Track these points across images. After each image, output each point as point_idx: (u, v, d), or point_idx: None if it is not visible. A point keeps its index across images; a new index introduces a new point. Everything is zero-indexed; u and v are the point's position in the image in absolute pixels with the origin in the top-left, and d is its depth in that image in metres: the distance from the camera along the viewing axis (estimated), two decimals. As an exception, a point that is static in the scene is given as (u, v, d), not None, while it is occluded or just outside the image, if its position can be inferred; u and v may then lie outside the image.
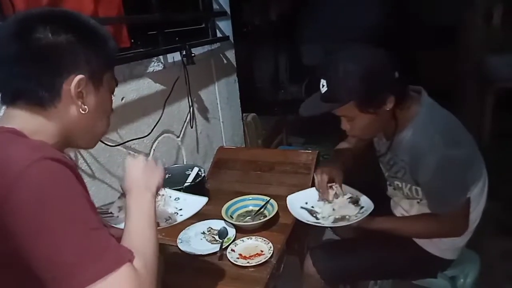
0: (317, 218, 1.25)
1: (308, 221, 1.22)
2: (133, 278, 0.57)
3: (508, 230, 2.02)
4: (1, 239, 0.56)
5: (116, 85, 0.80)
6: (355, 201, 1.27)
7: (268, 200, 1.48)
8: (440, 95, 1.17)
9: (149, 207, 0.74)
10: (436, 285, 1.30)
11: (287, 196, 1.35)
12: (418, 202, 1.21)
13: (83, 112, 0.71)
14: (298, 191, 1.41)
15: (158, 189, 0.80)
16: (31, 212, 0.54)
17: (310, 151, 1.86)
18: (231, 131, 2.48)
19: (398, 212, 1.33)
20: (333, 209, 1.26)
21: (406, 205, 1.26)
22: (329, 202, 1.28)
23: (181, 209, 1.11)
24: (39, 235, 0.54)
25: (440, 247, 1.22)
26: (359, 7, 3.39)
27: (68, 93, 0.68)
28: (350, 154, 1.41)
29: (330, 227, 1.21)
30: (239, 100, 2.57)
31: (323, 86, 1.05)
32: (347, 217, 1.22)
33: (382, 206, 1.30)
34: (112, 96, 0.80)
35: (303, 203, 1.33)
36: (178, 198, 1.16)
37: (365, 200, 1.26)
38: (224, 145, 2.25)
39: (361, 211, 1.22)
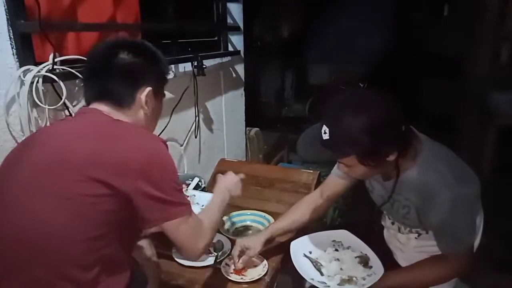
0: (321, 273, 1.17)
1: (312, 279, 1.13)
2: (199, 221, 0.93)
3: (499, 264, 2.01)
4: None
5: (164, 96, 1.02)
6: (364, 262, 1.19)
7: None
8: (440, 127, 1.15)
9: (225, 200, 1.13)
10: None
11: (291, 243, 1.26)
12: (416, 238, 1.19)
13: (147, 114, 0.95)
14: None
15: (234, 195, 1.21)
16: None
17: (311, 171, 1.85)
18: (233, 144, 2.49)
19: (393, 245, 1.30)
20: (341, 268, 1.18)
21: (403, 239, 1.23)
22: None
23: (202, 205, 1.38)
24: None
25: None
26: (365, 32, 3.47)
27: (139, 100, 0.92)
28: (286, 226, 1.33)
29: None
30: (244, 114, 2.59)
31: (325, 132, 0.96)
32: (354, 279, 1.14)
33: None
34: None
35: (307, 251, 1.25)
36: (194, 195, 1.51)
37: (374, 261, 1.18)
38: (226, 157, 2.25)
39: (369, 273, 1.14)
